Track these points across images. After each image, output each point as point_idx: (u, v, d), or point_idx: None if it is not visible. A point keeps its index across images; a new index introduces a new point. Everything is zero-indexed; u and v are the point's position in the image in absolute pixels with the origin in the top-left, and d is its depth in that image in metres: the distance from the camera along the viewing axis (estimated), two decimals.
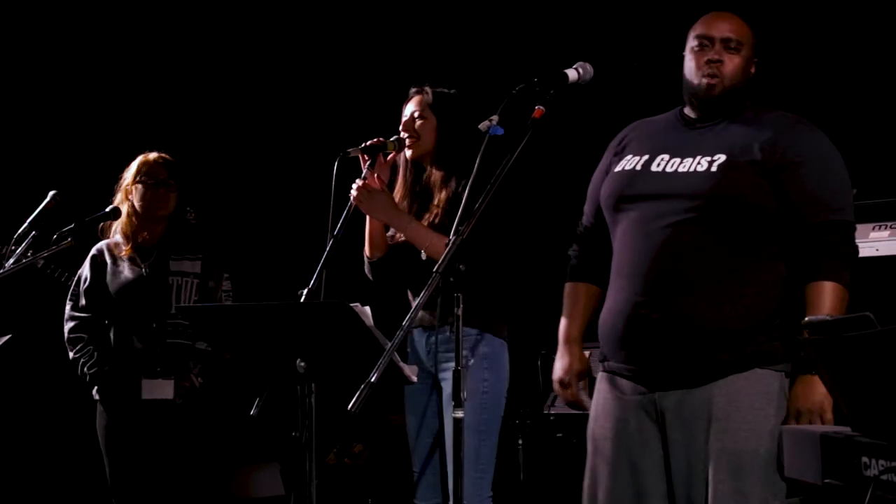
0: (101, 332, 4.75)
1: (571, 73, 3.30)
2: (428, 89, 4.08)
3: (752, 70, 3.28)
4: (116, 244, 4.80)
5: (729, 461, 3.06)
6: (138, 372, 4.65)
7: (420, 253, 3.91)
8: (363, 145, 3.93)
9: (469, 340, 3.84)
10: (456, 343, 3.08)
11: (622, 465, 3.19)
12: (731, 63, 3.21)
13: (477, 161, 3.30)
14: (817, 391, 3.07)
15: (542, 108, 3.19)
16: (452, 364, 3.75)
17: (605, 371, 3.27)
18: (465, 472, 3.80)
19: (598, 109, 5.57)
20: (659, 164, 3.23)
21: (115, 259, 4.77)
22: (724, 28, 3.23)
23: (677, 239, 3.11)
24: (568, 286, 3.46)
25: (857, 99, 5.25)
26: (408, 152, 4.05)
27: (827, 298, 3.08)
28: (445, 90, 4.09)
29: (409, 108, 4.07)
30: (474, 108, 3.90)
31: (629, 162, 3.30)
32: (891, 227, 4.37)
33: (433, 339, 3.94)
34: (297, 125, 6.80)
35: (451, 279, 3.00)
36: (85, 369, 4.73)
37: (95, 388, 4.72)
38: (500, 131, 3.23)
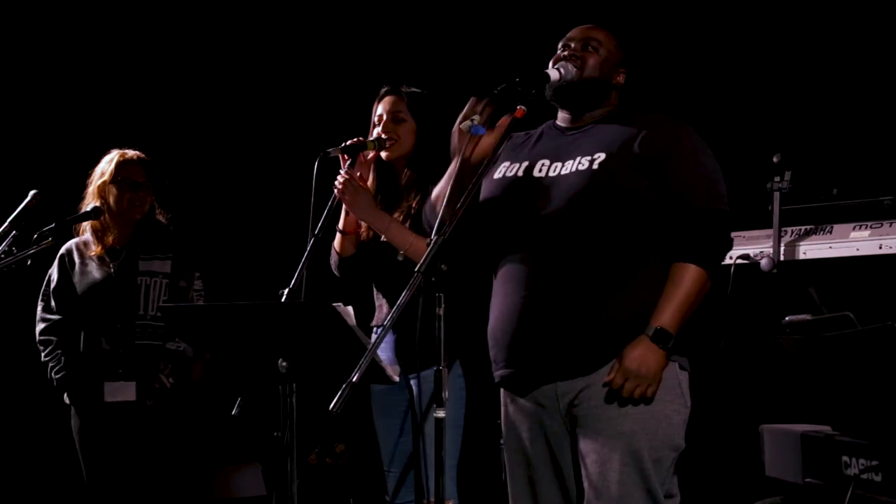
0: (70, 335, 4.73)
1: (553, 74, 3.30)
2: (404, 90, 4.08)
3: (619, 79, 3.38)
4: (86, 243, 4.77)
5: (632, 447, 3.12)
6: (101, 374, 4.63)
7: (396, 254, 3.92)
8: (343, 145, 3.93)
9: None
10: (438, 343, 3.07)
11: (543, 468, 3.30)
12: (589, 58, 3.32)
13: (458, 160, 3.29)
14: (658, 362, 3.10)
15: (523, 108, 3.19)
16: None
17: (502, 385, 3.36)
18: (447, 468, 3.84)
19: None
20: (541, 170, 3.29)
21: (83, 259, 4.74)
22: (584, 32, 3.38)
23: (562, 238, 3.17)
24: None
25: (837, 101, 5.26)
26: (383, 154, 4.04)
27: (689, 280, 3.13)
28: (419, 91, 4.09)
29: (386, 108, 4.06)
30: (450, 109, 3.91)
31: (509, 169, 3.37)
32: (871, 227, 4.39)
33: (404, 338, 3.92)
34: (277, 125, 6.78)
35: (433, 279, 3.00)
36: (52, 374, 4.71)
37: (65, 392, 4.71)
38: (482, 131, 3.22)
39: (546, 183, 3.25)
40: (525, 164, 3.34)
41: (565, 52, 3.33)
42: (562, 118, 3.41)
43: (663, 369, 3.12)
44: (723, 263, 4.15)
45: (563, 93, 3.32)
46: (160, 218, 4.87)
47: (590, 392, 3.16)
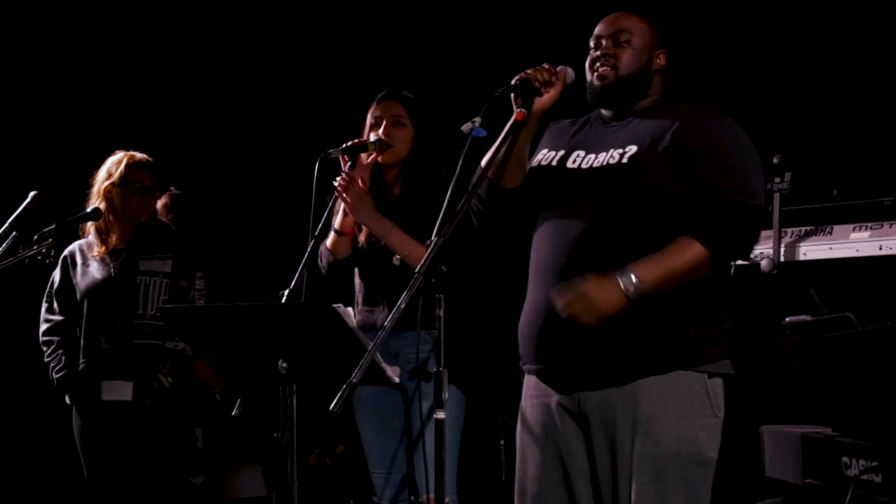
0: (72, 335, 4.73)
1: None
2: (406, 95, 4.09)
3: (659, 62, 3.29)
4: (89, 244, 4.78)
5: (651, 465, 3.04)
6: (100, 374, 4.63)
7: (391, 257, 3.93)
8: (344, 146, 3.94)
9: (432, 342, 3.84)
10: (438, 344, 3.07)
11: (551, 470, 3.18)
12: (622, 55, 3.24)
13: (459, 162, 3.29)
14: (608, 301, 2.95)
15: (523, 111, 3.19)
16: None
17: (527, 373, 3.28)
18: (447, 467, 3.85)
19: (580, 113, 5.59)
20: (575, 161, 3.23)
21: (85, 259, 4.75)
22: (612, 25, 3.28)
23: (593, 233, 3.09)
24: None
25: (837, 102, 5.26)
26: (379, 157, 4.04)
27: (687, 253, 2.98)
28: (411, 96, 4.11)
29: (387, 112, 4.07)
30: (448, 116, 3.92)
31: (545, 157, 3.30)
32: (871, 228, 4.39)
33: (399, 340, 3.94)
34: (277, 126, 6.79)
35: (433, 280, 3.00)
36: (53, 374, 4.72)
37: (65, 392, 4.71)
38: (483, 133, 3.22)
39: (578, 175, 3.19)
40: (562, 152, 3.28)
41: (597, 53, 3.26)
42: (606, 110, 3.33)
43: (613, 312, 2.96)
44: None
45: (603, 96, 3.27)
46: (164, 219, 4.89)
47: (611, 406, 3.08)
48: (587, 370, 3.09)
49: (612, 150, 3.17)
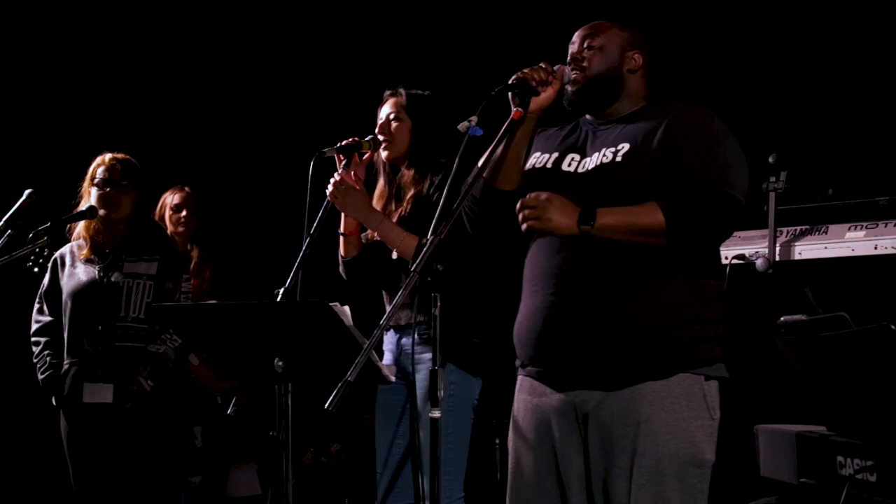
0: (60, 336, 4.73)
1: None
2: (402, 91, 4.13)
3: (634, 62, 3.31)
4: (80, 246, 4.78)
5: (649, 466, 3.04)
6: (82, 376, 4.62)
7: (392, 252, 3.96)
8: (339, 145, 3.96)
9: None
10: (434, 343, 3.07)
11: (545, 473, 3.19)
12: (591, 57, 3.28)
13: (456, 161, 3.30)
14: (560, 221, 3.03)
15: (520, 110, 3.19)
16: (428, 365, 3.80)
17: (523, 376, 3.28)
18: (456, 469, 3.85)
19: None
20: (570, 164, 3.25)
21: (73, 261, 4.75)
22: (581, 33, 3.34)
23: (590, 235, 3.06)
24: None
25: (833, 102, 5.27)
26: (383, 154, 4.08)
27: (647, 215, 3.01)
28: (419, 92, 4.14)
29: (385, 111, 4.11)
30: (448, 110, 3.95)
31: (539, 160, 3.32)
32: (866, 228, 4.39)
33: (405, 339, 3.96)
34: (273, 125, 6.79)
35: (429, 279, 3.00)
36: (38, 374, 4.72)
37: (50, 393, 4.71)
38: (480, 132, 3.22)
39: (574, 178, 3.19)
40: (555, 155, 3.29)
41: (570, 59, 3.30)
42: (590, 115, 3.36)
43: (560, 232, 3.04)
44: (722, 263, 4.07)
45: (576, 100, 3.29)
46: (177, 217, 4.88)
47: (609, 406, 3.08)
48: (588, 371, 3.09)
49: (604, 150, 3.18)
